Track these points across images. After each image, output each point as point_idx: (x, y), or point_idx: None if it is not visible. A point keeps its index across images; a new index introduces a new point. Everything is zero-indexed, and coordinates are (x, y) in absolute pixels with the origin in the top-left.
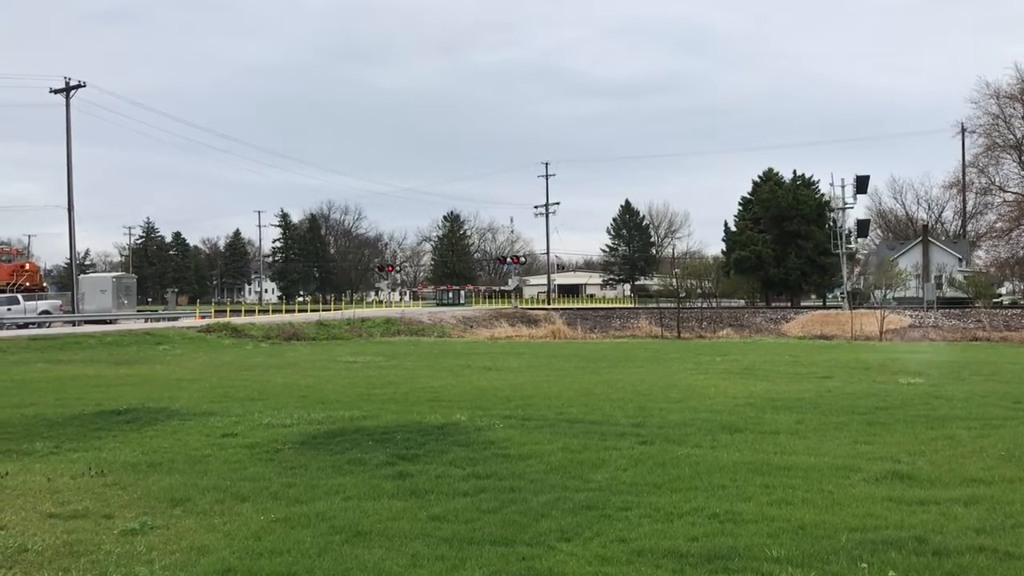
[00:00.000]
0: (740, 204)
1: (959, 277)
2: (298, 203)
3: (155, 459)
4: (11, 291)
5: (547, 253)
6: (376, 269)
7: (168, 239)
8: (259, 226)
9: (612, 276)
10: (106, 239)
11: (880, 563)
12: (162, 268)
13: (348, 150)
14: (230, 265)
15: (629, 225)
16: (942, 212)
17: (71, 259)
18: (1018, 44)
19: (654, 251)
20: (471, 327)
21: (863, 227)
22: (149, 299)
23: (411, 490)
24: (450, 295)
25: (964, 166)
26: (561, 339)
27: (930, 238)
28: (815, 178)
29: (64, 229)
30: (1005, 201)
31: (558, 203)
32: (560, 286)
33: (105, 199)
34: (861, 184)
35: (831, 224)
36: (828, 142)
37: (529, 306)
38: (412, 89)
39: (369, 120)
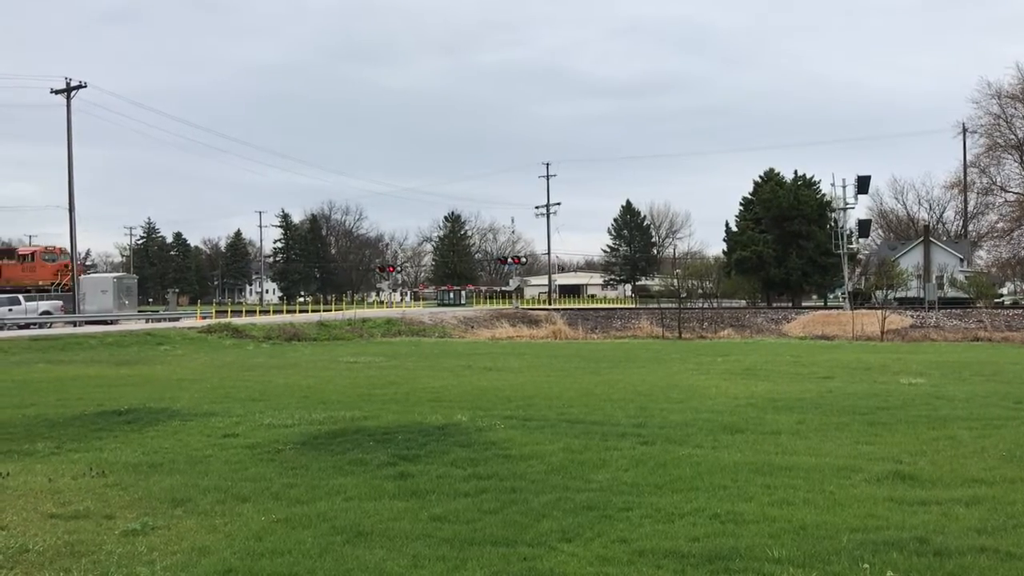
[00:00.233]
0: (741, 204)
1: (960, 277)
2: (299, 203)
3: (156, 459)
4: (56, 290)
5: (548, 253)
6: (377, 269)
7: (169, 239)
8: (260, 226)
9: (613, 276)
10: (107, 239)
11: (881, 563)
12: (163, 268)
13: (349, 150)
14: (231, 265)
15: (630, 225)
16: (943, 212)
17: (72, 259)
18: (1019, 44)
19: (655, 251)
20: (472, 327)
21: (864, 227)
22: (150, 299)
23: (412, 490)
24: (451, 295)
25: (965, 166)
26: (562, 339)
27: (931, 238)
28: (816, 178)
29: (65, 229)
30: (1006, 201)
31: (559, 203)
32: (561, 286)
33: (106, 199)
34: (862, 184)
35: (832, 224)
36: (829, 142)
37: (530, 306)
38: (413, 89)
39: (370, 120)
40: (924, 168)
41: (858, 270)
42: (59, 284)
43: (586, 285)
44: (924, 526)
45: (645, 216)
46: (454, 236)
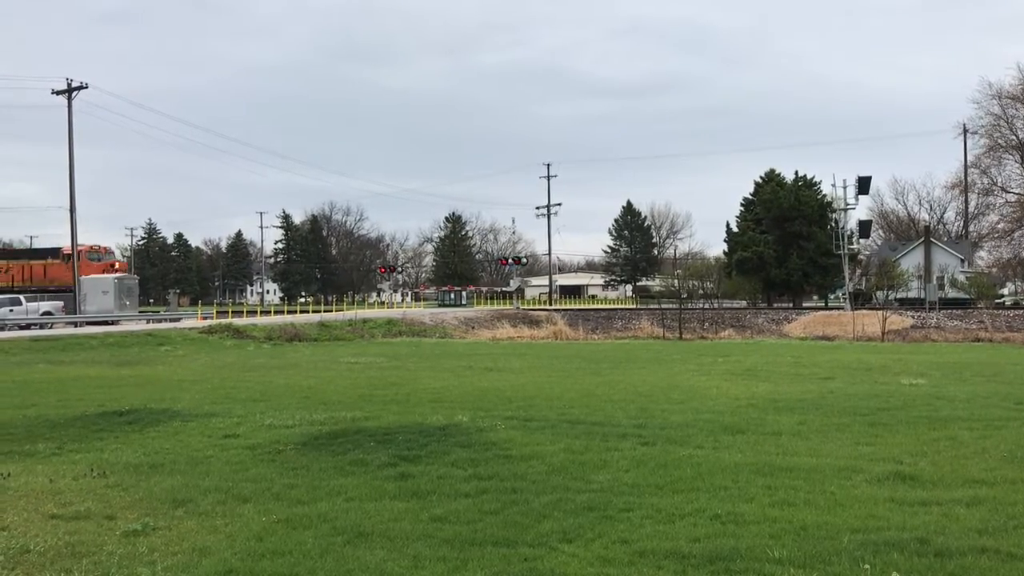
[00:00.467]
0: (742, 205)
1: (961, 278)
2: (300, 204)
3: (157, 460)
4: None
5: (549, 254)
6: (379, 270)
7: (170, 240)
8: (261, 227)
9: (614, 277)
10: (108, 240)
11: (882, 564)
12: (164, 269)
13: (350, 151)
14: (232, 266)
15: (631, 226)
16: (944, 213)
17: (73, 260)
18: (1020, 44)
19: (656, 252)
20: (473, 328)
21: (865, 228)
22: (151, 300)
23: (413, 491)
24: (452, 296)
25: (966, 167)
26: (563, 340)
27: (932, 239)
28: (817, 179)
29: (66, 230)
30: (1007, 202)
31: (560, 204)
32: (562, 287)
33: (107, 200)
34: (863, 185)
35: (833, 225)
36: (830, 142)
37: (531, 307)
38: (414, 90)
39: (371, 121)
40: (925, 169)
41: (859, 271)
42: None
43: (587, 286)
44: (925, 527)
45: (646, 216)
46: (455, 237)
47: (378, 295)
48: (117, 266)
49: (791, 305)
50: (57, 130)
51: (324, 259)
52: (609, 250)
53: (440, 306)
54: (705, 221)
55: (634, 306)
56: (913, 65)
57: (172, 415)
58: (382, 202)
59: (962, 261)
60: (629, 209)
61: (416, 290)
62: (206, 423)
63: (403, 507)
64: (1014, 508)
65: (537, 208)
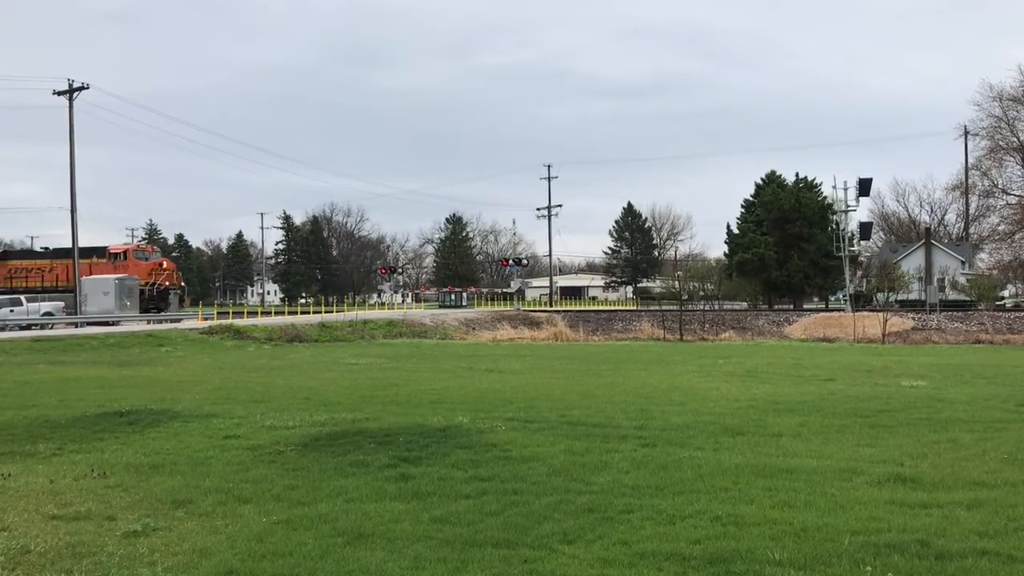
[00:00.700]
0: (743, 206)
1: (962, 280)
2: (301, 205)
3: (157, 461)
4: (150, 290)
5: (549, 255)
6: (379, 272)
7: (171, 241)
8: (262, 228)
9: (614, 278)
10: (109, 241)
11: (883, 566)
12: None
13: (351, 152)
14: (233, 267)
15: (631, 227)
16: (945, 215)
17: (74, 260)
18: (1021, 47)
19: (656, 253)
20: (473, 329)
21: (866, 230)
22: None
23: (413, 492)
24: (452, 297)
25: (967, 169)
26: (563, 341)
27: (933, 241)
28: (817, 180)
29: (67, 231)
30: (1008, 204)
31: (560, 205)
32: (562, 288)
33: (108, 200)
34: (863, 187)
35: (834, 227)
36: (831, 144)
37: (531, 308)
38: (415, 91)
39: (372, 122)
40: (926, 170)
41: (859, 272)
42: (153, 284)
43: (587, 287)
44: (925, 529)
45: (647, 218)
46: (455, 238)
47: (379, 296)
48: (165, 265)
49: (792, 307)
50: (58, 130)
51: (325, 260)
52: (610, 251)
53: (441, 307)
54: (706, 223)
55: (635, 307)
56: (914, 67)
57: (173, 416)
58: (383, 203)
59: (963, 263)
60: (630, 210)
61: (417, 291)
62: (207, 424)
63: (403, 508)
64: (1015, 510)
65: (538, 209)
